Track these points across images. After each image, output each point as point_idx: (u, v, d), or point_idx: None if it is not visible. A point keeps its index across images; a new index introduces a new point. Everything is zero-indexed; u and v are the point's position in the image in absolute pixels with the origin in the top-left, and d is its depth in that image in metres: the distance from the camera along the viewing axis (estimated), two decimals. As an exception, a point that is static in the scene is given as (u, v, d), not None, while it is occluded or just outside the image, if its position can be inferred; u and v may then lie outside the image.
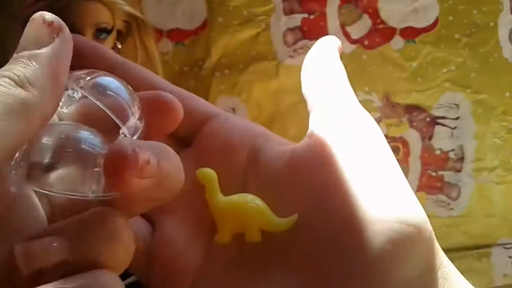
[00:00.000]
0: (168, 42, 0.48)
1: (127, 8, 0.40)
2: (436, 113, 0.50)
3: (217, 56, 0.48)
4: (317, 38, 0.49)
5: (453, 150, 0.50)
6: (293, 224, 0.18)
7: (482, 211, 0.50)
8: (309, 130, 0.20)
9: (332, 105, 0.20)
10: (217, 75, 0.48)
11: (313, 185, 0.18)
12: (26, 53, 0.15)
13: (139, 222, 0.20)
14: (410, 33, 0.49)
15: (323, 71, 0.21)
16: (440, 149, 0.50)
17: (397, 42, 0.49)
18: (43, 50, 0.15)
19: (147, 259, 0.19)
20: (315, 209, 0.17)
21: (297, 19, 0.49)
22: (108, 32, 0.38)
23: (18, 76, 0.14)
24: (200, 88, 0.48)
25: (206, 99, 0.52)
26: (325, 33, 0.49)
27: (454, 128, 0.50)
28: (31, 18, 0.15)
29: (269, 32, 0.48)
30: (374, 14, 0.49)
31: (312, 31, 0.49)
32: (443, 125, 0.50)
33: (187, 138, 0.21)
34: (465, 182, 0.50)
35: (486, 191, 0.50)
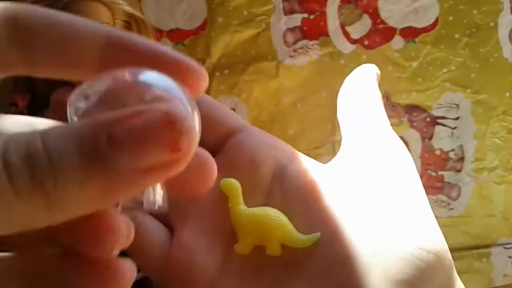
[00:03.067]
0: (168, 42, 0.48)
1: (127, 8, 0.40)
2: (436, 113, 0.50)
3: (217, 56, 0.48)
4: (317, 38, 0.49)
5: (453, 150, 0.50)
6: (314, 241, 0.18)
7: (482, 211, 0.50)
8: (339, 153, 0.20)
9: (365, 131, 0.20)
10: (217, 75, 0.48)
11: (337, 205, 0.18)
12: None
13: (157, 227, 0.20)
14: (410, 33, 0.49)
15: (360, 97, 0.22)
16: (440, 149, 0.50)
17: (397, 42, 0.49)
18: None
19: (164, 264, 0.19)
20: (335, 230, 0.18)
21: (297, 19, 0.49)
22: (108, 32, 0.38)
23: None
24: (200, 88, 0.48)
25: (206, 99, 0.51)
26: (325, 33, 0.49)
27: (454, 128, 0.50)
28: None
29: (269, 32, 0.48)
30: (374, 14, 0.49)
31: (312, 31, 0.49)
32: (443, 125, 0.50)
33: (214, 148, 0.21)
34: (465, 182, 0.50)
35: (486, 191, 0.50)
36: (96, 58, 0.14)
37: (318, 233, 0.18)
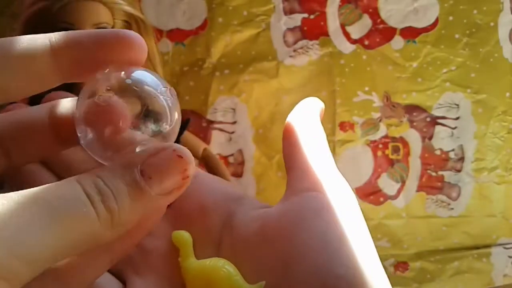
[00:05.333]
0: (168, 42, 0.48)
1: (127, 8, 0.40)
2: (436, 113, 0.50)
3: (217, 56, 0.48)
4: (317, 38, 0.49)
5: (453, 150, 0.50)
6: None
7: (482, 211, 0.50)
8: (284, 195, 0.19)
9: (310, 171, 0.20)
10: (217, 75, 0.48)
11: (282, 253, 0.18)
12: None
13: (110, 280, 0.20)
14: (410, 33, 0.49)
15: (303, 134, 0.21)
16: (440, 149, 0.50)
17: (397, 42, 0.49)
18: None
19: None
20: (280, 277, 0.17)
21: (297, 19, 0.49)
22: (108, 32, 0.38)
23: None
24: (200, 88, 0.48)
25: (206, 99, 0.52)
26: (325, 33, 0.49)
27: (454, 128, 0.50)
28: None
29: (269, 32, 0.48)
30: (374, 14, 0.49)
31: (312, 31, 0.49)
32: (443, 125, 0.50)
33: None
34: (465, 182, 0.50)
35: (486, 191, 0.50)
36: (52, 67, 0.16)
37: (263, 282, 0.18)
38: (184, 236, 0.20)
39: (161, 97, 0.16)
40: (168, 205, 0.20)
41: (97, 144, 0.16)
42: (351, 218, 0.18)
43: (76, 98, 0.16)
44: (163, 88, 0.16)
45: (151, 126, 0.16)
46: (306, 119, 0.22)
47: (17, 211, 0.13)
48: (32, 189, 0.14)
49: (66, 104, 0.18)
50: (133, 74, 0.16)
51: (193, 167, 0.16)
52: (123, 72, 0.16)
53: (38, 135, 0.18)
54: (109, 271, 0.20)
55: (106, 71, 0.16)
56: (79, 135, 0.16)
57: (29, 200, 0.13)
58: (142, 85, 0.16)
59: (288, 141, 0.21)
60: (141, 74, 0.16)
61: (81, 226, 0.14)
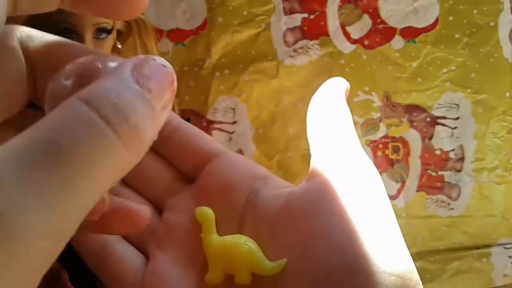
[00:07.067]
0: (168, 42, 0.48)
1: (127, 8, 0.39)
2: (436, 113, 0.50)
3: (217, 56, 0.48)
4: (317, 38, 0.49)
5: (453, 150, 0.50)
6: (281, 268, 0.18)
7: (482, 211, 0.50)
8: (307, 175, 0.19)
9: (334, 151, 0.19)
10: (217, 75, 0.48)
11: (303, 231, 0.18)
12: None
13: (132, 254, 0.20)
14: (410, 33, 0.49)
15: (328, 115, 0.21)
16: (440, 149, 0.50)
17: (397, 42, 0.49)
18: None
19: None
20: (301, 255, 0.17)
21: (297, 19, 0.49)
22: (108, 32, 0.38)
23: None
24: (200, 88, 0.48)
25: (206, 99, 0.52)
26: (325, 33, 0.49)
27: (454, 128, 0.50)
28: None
29: (269, 32, 0.48)
30: (374, 14, 0.49)
31: (312, 31, 0.49)
32: (443, 125, 0.50)
33: (191, 175, 0.21)
34: (465, 182, 0.50)
35: (486, 191, 0.50)
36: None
37: (285, 259, 0.18)
38: (207, 213, 0.20)
39: None
40: (192, 183, 0.21)
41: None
42: (375, 197, 0.18)
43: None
44: None
45: None
46: (331, 98, 0.21)
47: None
48: (32, 130, 0.11)
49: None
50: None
51: (175, 78, 0.15)
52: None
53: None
54: (132, 244, 0.20)
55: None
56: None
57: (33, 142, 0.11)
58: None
59: (313, 120, 0.21)
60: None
61: (106, 157, 0.12)
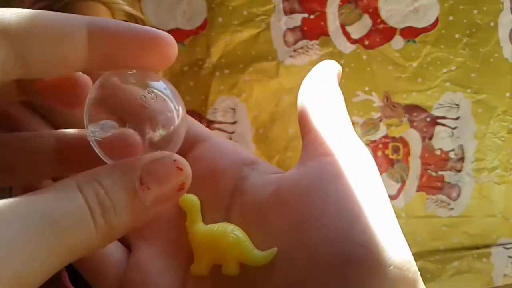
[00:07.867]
0: (168, 42, 0.48)
1: (127, 8, 0.40)
2: (436, 113, 0.50)
3: (217, 56, 0.48)
4: (317, 38, 0.49)
5: (453, 150, 0.50)
6: (271, 258, 0.17)
7: (482, 211, 0.50)
8: (299, 160, 0.19)
9: (326, 134, 0.19)
10: (217, 75, 0.48)
11: (295, 219, 0.17)
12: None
13: (114, 245, 0.20)
14: (410, 33, 0.49)
15: (320, 97, 0.20)
16: (440, 149, 0.50)
17: (397, 42, 0.49)
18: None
19: (119, 285, 0.19)
20: (294, 244, 0.16)
21: (297, 19, 0.49)
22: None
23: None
24: (200, 88, 0.48)
25: (206, 99, 0.52)
26: (325, 33, 0.49)
27: (454, 128, 0.50)
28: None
29: (269, 32, 0.48)
30: (374, 14, 0.49)
31: (312, 31, 0.49)
32: (443, 125, 0.50)
33: None
34: (465, 182, 0.50)
35: (486, 191, 0.50)
36: (82, 53, 0.15)
37: (275, 248, 0.17)
38: (191, 200, 0.19)
39: (176, 117, 0.16)
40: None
41: (106, 146, 0.15)
42: (369, 182, 0.17)
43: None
44: (177, 106, 0.16)
45: (157, 139, 0.16)
46: (323, 81, 0.20)
47: (17, 223, 0.12)
48: (31, 197, 0.13)
49: (72, 132, 0.18)
50: (167, 86, 0.16)
51: (189, 181, 0.16)
52: (161, 81, 0.16)
53: (42, 161, 0.18)
54: None
55: (132, 72, 0.16)
56: (90, 130, 0.15)
57: (29, 211, 0.13)
58: (166, 101, 0.16)
59: (303, 103, 0.20)
60: (168, 88, 0.16)
61: (79, 240, 0.13)
